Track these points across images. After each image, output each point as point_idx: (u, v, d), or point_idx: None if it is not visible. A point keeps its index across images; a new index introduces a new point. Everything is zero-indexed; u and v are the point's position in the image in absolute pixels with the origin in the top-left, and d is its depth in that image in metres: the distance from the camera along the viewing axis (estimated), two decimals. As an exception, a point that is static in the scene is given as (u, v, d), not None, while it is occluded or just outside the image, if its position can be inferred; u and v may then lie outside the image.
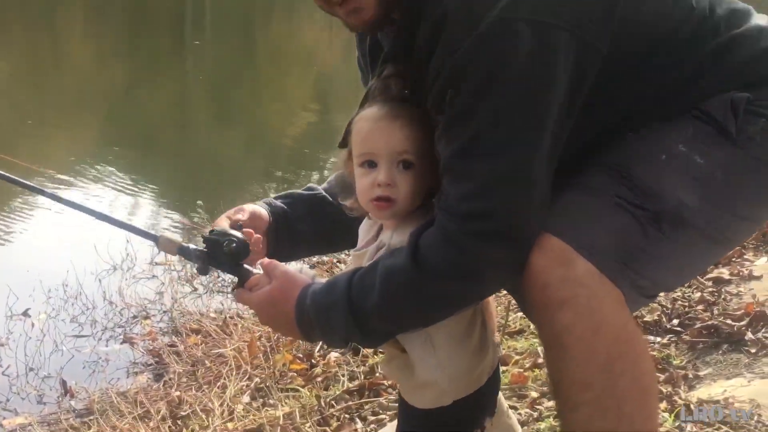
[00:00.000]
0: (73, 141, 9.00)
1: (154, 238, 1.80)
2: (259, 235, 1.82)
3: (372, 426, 2.53)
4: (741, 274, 3.36)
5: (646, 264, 1.54)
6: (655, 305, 3.07)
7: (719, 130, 1.57)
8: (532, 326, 1.77)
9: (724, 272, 3.40)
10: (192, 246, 1.76)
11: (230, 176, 7.97)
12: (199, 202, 6.93)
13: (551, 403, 2.49)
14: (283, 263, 1.72)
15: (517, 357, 2.85)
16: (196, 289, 4.56)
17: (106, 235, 4.82)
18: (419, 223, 1.57)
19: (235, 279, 1.75)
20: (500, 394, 2.05)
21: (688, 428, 2.24)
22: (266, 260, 1.72)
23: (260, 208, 1.90)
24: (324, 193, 1.99)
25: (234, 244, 1.68)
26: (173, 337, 3.95)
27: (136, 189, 6.93)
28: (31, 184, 1.95)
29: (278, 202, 1.95)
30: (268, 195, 6.86)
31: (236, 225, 1.75)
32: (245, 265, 1.73)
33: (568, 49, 1.45)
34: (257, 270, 1.72)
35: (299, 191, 2.02)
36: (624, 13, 1.51)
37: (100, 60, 14.28)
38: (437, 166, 1.55)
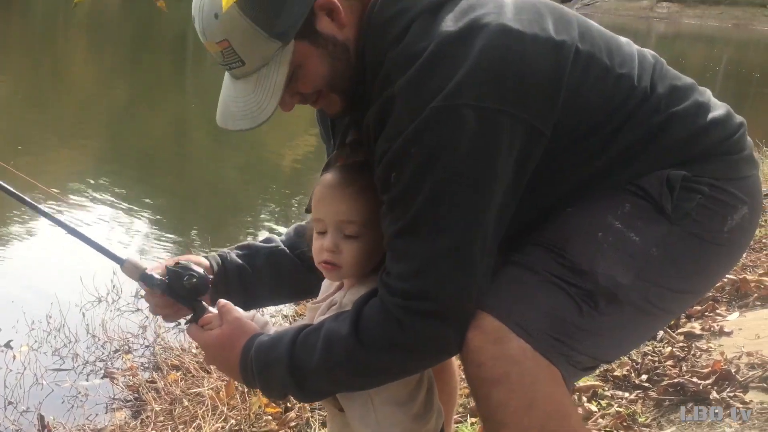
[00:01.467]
0: (71, 160, 9.08)
1: (120, 261, 1.84)
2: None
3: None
4: (712, 329, 3.38)
5: (583, 340, 1.58)
6: (625, 359, 3.10)
7: (655, 207, 1.61)
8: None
9: (696, 327, 3.43)
10: (155, 275, 1.81)
11: (228, 199, 8.08)
12: (195, 229, 7.02)
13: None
14: (237, 308, 1.77)
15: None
16: (179, 323, 4.58)
17: (93, 265, 4.88)
18: (370, 285, 1.63)
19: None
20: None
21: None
22: (223, 302, 1.77)
23: (205, 262, 1.92)
24: (282, 246, 2.02)
25: (194, 279, 1.75)
26: (153, 372, 3.97)
27: (132, 210, 7.00)
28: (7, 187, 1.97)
29: (234, 256, 1.98)
30: (264, 220, 6.93)
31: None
32: (203, 302, 1.79)
33: (513, 132, 1.51)
34: (213, 309, 1.77)
35: (258, 243, 2.05)
36: (566, 96, 1.56)
37: (102, 81, 14.40)
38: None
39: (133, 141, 10.27)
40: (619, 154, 1.64)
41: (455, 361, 2.12)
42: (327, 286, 1.80)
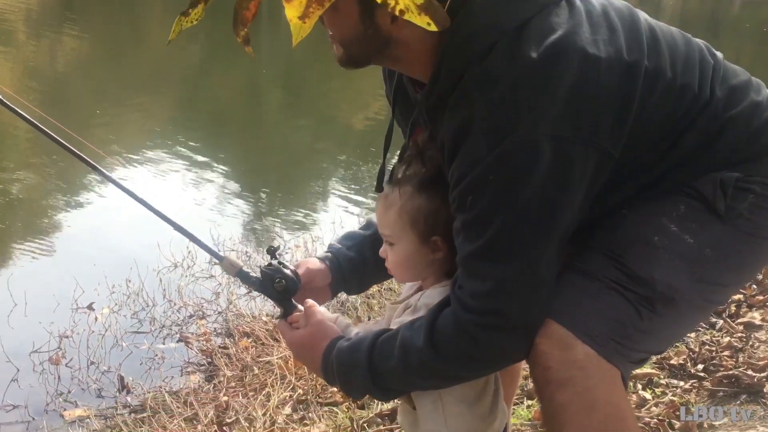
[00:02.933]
0: (146, 119, 9.31)
1: (220, 258, 2.00)
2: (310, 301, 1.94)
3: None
4: (773, 320, 3.41)
5: (641, 341, 1.68)
6: (682, 348, 3.16)
7: (709, 208, 1.68)
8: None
9: (756, 317, 3.45)
10: (251, 272, 1.95)
11: (298, 162, 8.17)
12: (264, 191, 7.17)
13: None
14: (321, 310, 1.88)
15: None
16: (250, 292, 4.76)
17: (170, 232, 5.09)
18: (443, 289, 1.75)
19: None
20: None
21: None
22: (309, 302, 1.89)
23: (321, 266, 2.02)
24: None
25: (283, 282, 1.88)
26: (226, 339, 4.14)
27: (204, 170, 7.19)
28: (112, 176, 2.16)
29: (344, 250, 2.05)
30: (334, 184, 6.99)
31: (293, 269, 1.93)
32: (293, 300, 1.91)
33: (586, 159, 1.58)
34: (301, 307, 1.89)
35: (360, 231, 2.11)
36: (635, 116, 1.62)
37: (177, 42, 14.63)
38: (428, 241, 1.75)
39: (207, 102, 10.50)
40: (677, 160, 1.70)
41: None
42: (408, 287, 1.92)
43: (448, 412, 1.78)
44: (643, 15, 1.76)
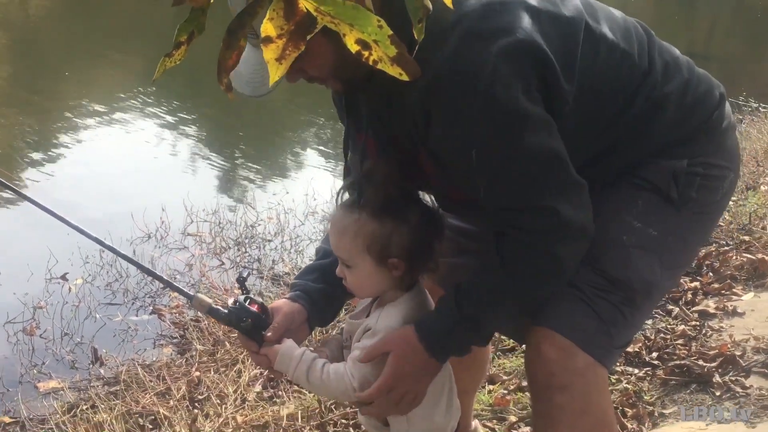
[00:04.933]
0: (118, 79, 9.24)
1: (189, 297, 1.97)
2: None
3: (363, 438, 2.78)
4: (726, 309, 3.53)
5: (625, 335, 1.88)
6: (639, 336, 3.28)
7: (664, 197, 1.84)
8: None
9: (711, 305, 3.58)
10: (221, 309, 1.92)
11: (274, 116, 8.18)
12: (241, 147, 7.17)
13: (527, 429, 2.75)
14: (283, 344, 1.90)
15: (505, 377, 3.11)
16: (222, 263, 4.83)
17: (143, 202, 5.15)
18: (403, 310, 1.85)
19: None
20: (476, 420, 2.36)
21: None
22: (270, 346, 1.90)
23: (295, 305, 2.01)
24: None
25: (249, 321, 1.89)
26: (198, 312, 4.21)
27: (179, 123, 7.18)
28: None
29: (311, 284, 2.05)
30: (308, 137, 6.90)
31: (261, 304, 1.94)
32: (262, 333, 1.91)
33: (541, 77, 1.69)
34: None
35: (319, 262, 2.11)
36: (580, 71, 1.72)
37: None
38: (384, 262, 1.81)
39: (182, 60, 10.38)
40: (625, 134, 1.83)
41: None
42: (365, 300, 2.00)
43: (411, 415, 1.88)
44: None
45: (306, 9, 1.15)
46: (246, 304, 1.91)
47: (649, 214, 1.84)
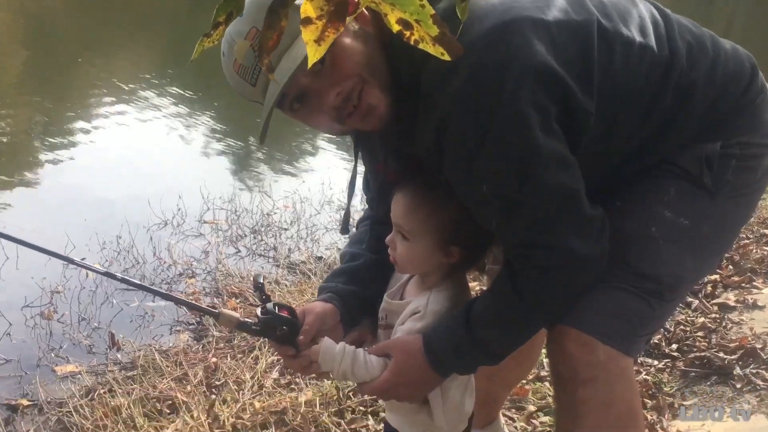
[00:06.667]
0: (133, 68, 9.23)
1: (216, 315, 1.88)
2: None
3: (382, 425, 2.77)
4: (746, 302, 3.52)
5: (653, 325, 1.85)
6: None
7: (696, 184, 1.76)
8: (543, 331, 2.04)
9: (731, 298, 3.56)
10: (249, 321, 1.87)
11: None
12: (254, 143, 7.16)
13: (546, 418, 2.74)
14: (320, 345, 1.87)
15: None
16: (239, 251, 4.83)
17: (160, 189, 5.16)
18: (455, 291, 1.85)
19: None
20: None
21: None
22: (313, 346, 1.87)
23: (327, 305, 1.97)
24: (369, 255, 2.08)
25: (285, 328, 1.84)
26: (214, 298, 4.20)
27: (195, 114, 7.18)
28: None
29: (341, 286, 2.02)
30: (323, 139, 6.85)
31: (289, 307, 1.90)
32: (296, 339, 1.86)
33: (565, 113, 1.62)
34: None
35: (351, 265, 2.07)
36: (599, 77, 1.64)
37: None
38: (445, 247, 1.80)
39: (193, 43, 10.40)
40: (652, 132, 1.76)
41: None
42: (396, 278, 1.99)
43: (447, 397, 1.90)
44: None
45: (346, -11, 1.14)
46: (275, 310, 1.85)
47: (681, 202, 1.77)
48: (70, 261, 2.02)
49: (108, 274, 2.05)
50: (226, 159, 6.69)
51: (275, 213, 5.29)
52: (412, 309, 1.86)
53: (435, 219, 1.79)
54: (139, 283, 2.07)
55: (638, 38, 1.71)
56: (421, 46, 1.21)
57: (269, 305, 1.86)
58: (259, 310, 1.86)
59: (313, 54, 1.20)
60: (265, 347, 3.47)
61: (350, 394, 2.94)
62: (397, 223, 1.84)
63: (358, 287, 2.01)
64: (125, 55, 9.74)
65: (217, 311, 1.87)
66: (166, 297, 2.11)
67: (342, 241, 4.84)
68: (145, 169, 6.02)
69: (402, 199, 1.83)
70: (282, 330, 1.84)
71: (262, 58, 1.36)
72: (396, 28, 1.21)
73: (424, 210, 1.80)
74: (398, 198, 1.84)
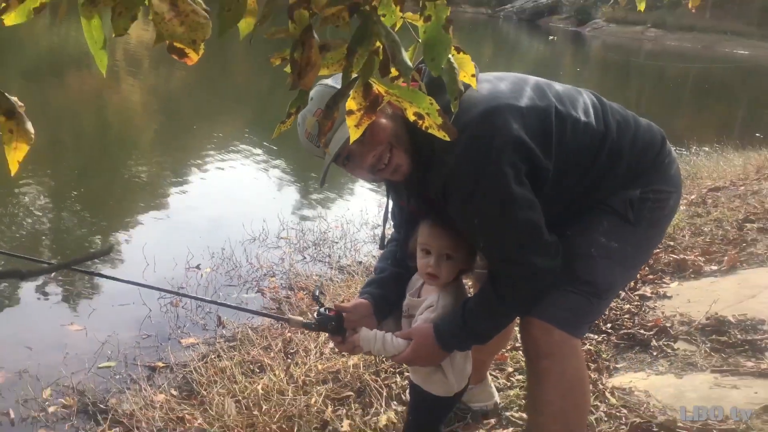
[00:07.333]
0: (228, 133, 9.30)
1: (286, 320, 2.01)
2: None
3: (407, 381, 2.76)
4: (658, 293, 3.48)
5: (592, 316, 1.89)
6: (597, 312, 3.23)
7: (623, 218, 1.78)
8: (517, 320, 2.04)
9: (647, 290, 3.52)
10: (310, 322, 1.96)
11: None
12: (314, 175, 7.14)
13: (521, 377, 2.72)
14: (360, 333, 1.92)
15: (503, 340, 3.07)
16: (304, 258, 4.84)
17: (251, 214, 5.20)
18: (456, 290, 1.86)
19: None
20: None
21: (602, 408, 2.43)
22: (353, 334, 1.93)
23: (363, 300, 2.03)
24: (394, 269, 2.08)
25: (333, 324, 1.92)
26: (288, 291, 4.19)
27: (273, 164, 7.21)
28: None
29: (372, 289, 2.05)
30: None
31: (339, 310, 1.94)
32: (346, 331, 1.94)
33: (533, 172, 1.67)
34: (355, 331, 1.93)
35: (376, 276, 2.10)
36: (557, 143, 1.68)
37: (257, 71, 14.55)
38: (467, 256, 1.83)
39: (273, 117, 10.45)
40: (592, 182, 1.78)
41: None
42: (415, 280, 1.99)
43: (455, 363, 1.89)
44: (534, 79, 1.79)
45: (378, 91, 1.17)
46: (326, 313, 1.92)
47: (612, 231, 1.79)
48: (175, 293, 2.36)
49: (207, 300, 2.35)
50: (296, 194, 6.71)
51: (329, 231, 5.30)
52: (427, 304, 1.88)
53: (463, 239, 1.80)
54: (230, 304, 2.12)
55: (583, 118, 1.73)
56: (430, 130, 1.23)
57: (321, 309, 1.93)
58: (315, 313, 1.94)
59: (354, 135, 1.23)
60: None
61: (383, 360, 2.94)
62: (441, 251, 1.83)
63: (385, 291, 2.04)
64: (226, 120, 9.81)
65: (287, 317, 1.99)
66: (256, 313, 2.29)
67: (376, 251, 4.83)
68: (240, 200, 6.05)
69: (430, 225, 1.84)
70: (332, 325, 1.90)
71: (320, 137, 1.38)
72: (413, 118, 1.23)
73: (451, 233, 1.80)
74: (426, 224, 1.86)
